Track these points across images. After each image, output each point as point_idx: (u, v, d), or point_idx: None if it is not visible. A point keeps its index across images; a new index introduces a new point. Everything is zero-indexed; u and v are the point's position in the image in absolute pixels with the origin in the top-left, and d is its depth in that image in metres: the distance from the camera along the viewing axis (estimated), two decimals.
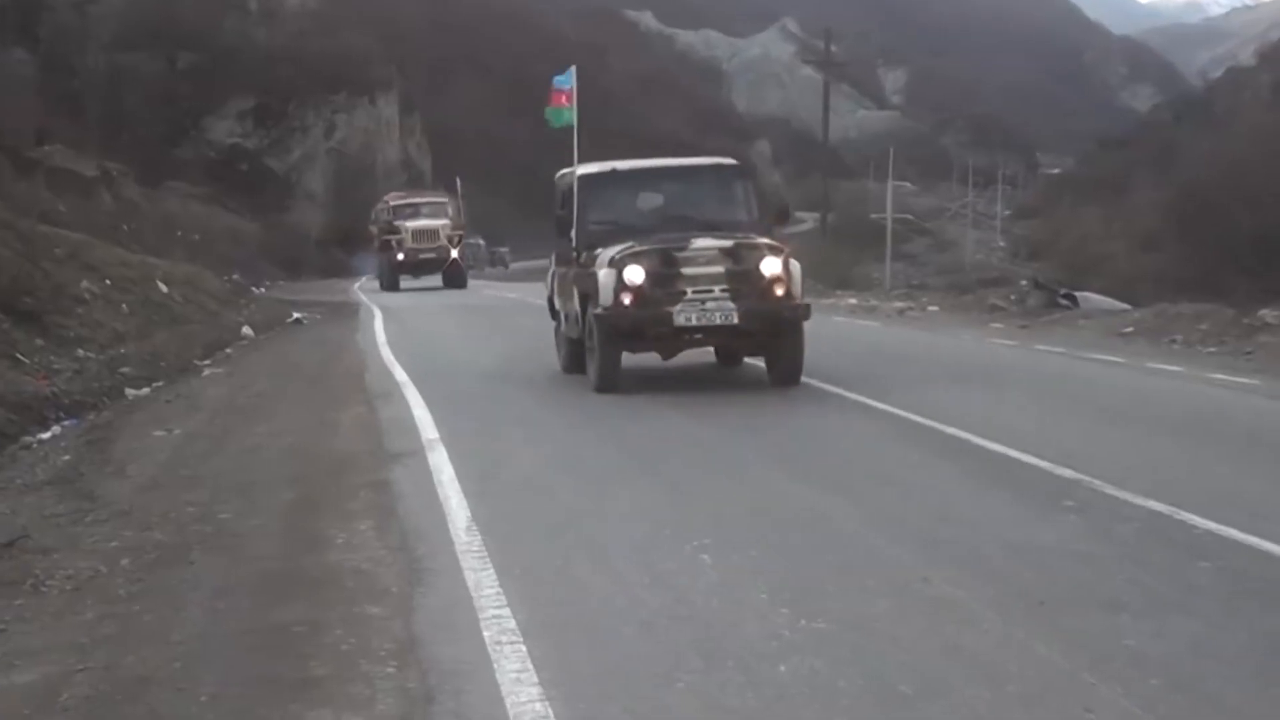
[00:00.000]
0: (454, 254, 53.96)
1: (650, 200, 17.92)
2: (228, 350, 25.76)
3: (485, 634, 6.76)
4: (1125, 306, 27.92)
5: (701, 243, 15.94)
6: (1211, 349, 19.64)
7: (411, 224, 53.72)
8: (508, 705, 5.86)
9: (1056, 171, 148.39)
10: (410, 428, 13.84)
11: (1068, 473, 10.22)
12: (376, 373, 19.81)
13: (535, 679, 6.13)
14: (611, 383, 15.93)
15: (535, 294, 29.37)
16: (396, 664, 6.52)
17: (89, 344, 21.69)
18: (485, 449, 12.52)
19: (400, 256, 53.41)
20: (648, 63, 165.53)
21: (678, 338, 16.18)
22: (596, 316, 15.82)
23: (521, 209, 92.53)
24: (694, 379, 17.42)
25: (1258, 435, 12.62)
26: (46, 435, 15.10)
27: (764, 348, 16.62)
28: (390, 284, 53.40)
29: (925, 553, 8.15)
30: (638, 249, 15.88)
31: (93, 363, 20.24)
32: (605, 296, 15.69)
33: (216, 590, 8.13)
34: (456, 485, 10.50)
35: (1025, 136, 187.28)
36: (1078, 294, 29.59)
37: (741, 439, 12.69)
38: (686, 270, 15.73)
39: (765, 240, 16.53)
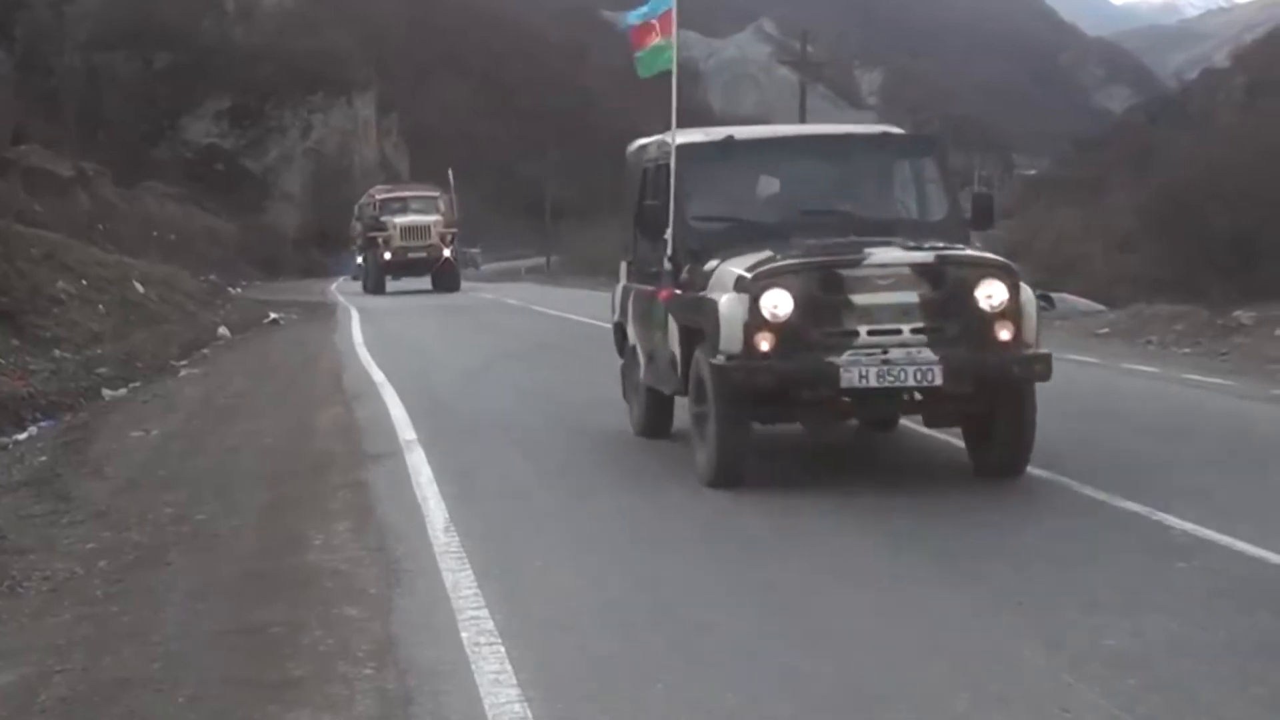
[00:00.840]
0: (446, 253, 50.47)
1: (789, 187, 12.51)
2: (205, 351, 25.75)
3: (463, 635, 6.76)
4: (1101, 307, 27.97)
5: (883, 255, 10.21)
6: (1187, 349, 19.69)
7: (400, 220, 50.46)
8: (486, 706, 5.86)
9: (1033, 173, 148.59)
10: (388, 428, 13.83)
11: (1044, 474, 10.24)
12: (354, 373, 19.78)
13: (514, 680, 6.13)
14: (734, 470, 10.17)
15: (510, 294, 29.57)
16: (375, 665, 6.52)
17: (65, 344, 21.68)
18: (463, 450, 12.50)
19: (387, 255, 49.90)
20: (626, 62, 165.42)
21: (843, 404, 10.36)
22: (716, 368, 10.03)
23: (497, 209, 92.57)
24: None
25: (1233, 435, 12.64)
26: (23, 436, 15.10)
27: (973, 417, 10.70)
28: (375, 286, 49.98)
29: (904, 555, 8.18)
30: (782, 263, 10.15)
31: (69, 363, 20.22)
32: (731, 337, 9.92)
33: (195, 591, 8.12)
34: (435, 486, 10.49)
35: (1001, 138, 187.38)
36: (1054, 295, 29.58)
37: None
38: (859, 299, 9.96)
39: (981, 253, 11.29)
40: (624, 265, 13.55)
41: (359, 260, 56.25)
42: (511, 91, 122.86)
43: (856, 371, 9.68)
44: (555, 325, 28.95)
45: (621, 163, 13.98)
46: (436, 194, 53.23)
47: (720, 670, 6.21)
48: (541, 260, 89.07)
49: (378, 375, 18.87)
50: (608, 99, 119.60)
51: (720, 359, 9.93)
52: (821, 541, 8.60)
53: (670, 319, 11.30)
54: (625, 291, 13.31)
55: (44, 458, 13.46)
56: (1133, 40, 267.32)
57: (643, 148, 13.35)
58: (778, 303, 9.80)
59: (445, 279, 49.98)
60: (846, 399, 10.05)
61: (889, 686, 5.98)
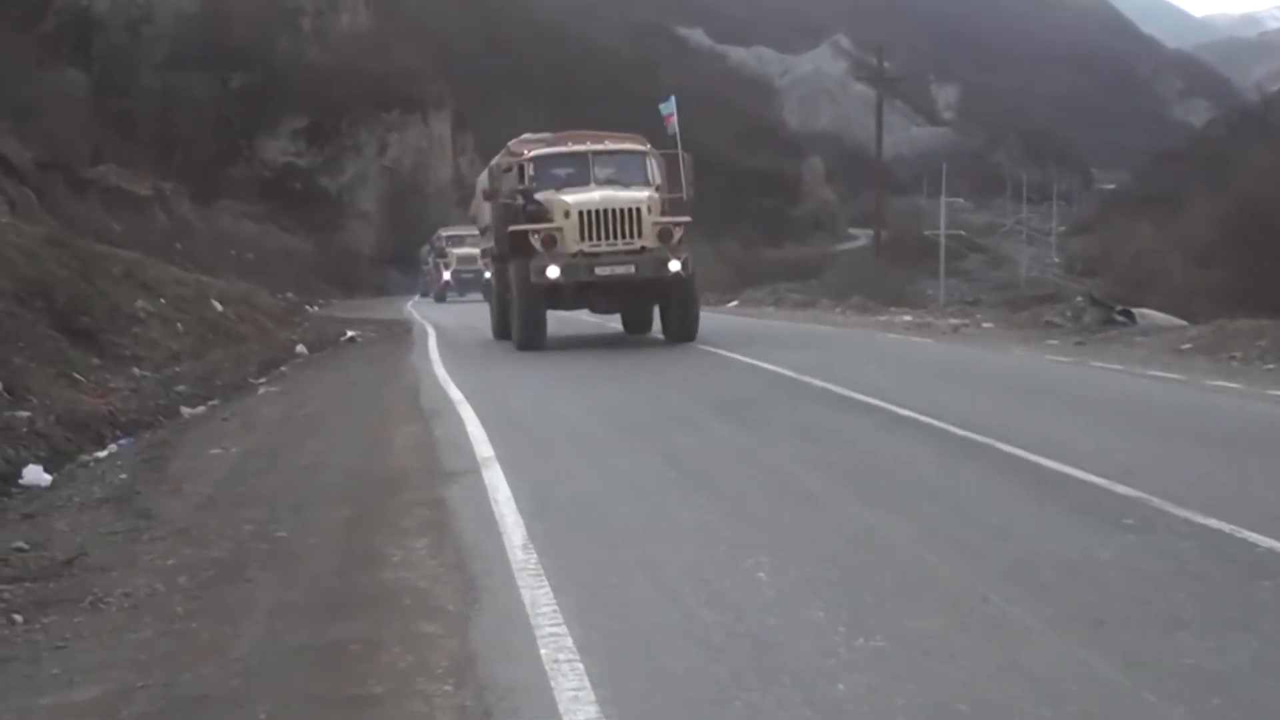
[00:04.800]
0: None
1: None
2: (282, 369, 25.89)
3: (542, 652, 6.75)
4: (1182, 323, 27.69)
5: None
6: (1270, 365, 19.45)
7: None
8: None
9: (1111, 187, 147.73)
10: (465, 446, 13.83)
11: (1126, 490, 10.13)
12: (431, 390, 19.84)
13: (593, 697, 6.12)
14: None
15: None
16: (453, 682, 6.52)
17: (145, 362, 21.84)
18: (540, 467, 12.50)
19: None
20: (698, 79, 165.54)
21: None
22: None
23: None
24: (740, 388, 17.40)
25: None
26: (103, 454, 15.17)
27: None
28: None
29: (983, 571, 8.10)
30: None
31: (149, 381, 20.36)
32: None
33: (273, 608, 8.14)
34: (512, 503, 10.48)
35: (1079, 151, 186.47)
36: (1134, 310, 29.36)
37: (796, 454, 12.63)
38: None
39: None
40: None
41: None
42: (583, 108, 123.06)
43: None
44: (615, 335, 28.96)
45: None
46: None
47: (799, 688, 6.17)
48: None
49: (455, 393, 18.91)
50: (679, 114, 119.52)
51: None
52: (899, 554, 8.54)
53: None
54: None
55: (124, 475, 13.53)
56: (1212, 52, 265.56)
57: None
58: None
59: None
60: None
61: (969, 704, 5.93)
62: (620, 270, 25.64)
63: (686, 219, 26.96)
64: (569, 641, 6.88)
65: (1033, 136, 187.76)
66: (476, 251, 59.99)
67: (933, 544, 8.84)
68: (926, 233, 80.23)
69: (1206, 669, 6.25)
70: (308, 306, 54.86)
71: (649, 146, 28.29)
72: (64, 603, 8.48)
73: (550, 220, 26.00)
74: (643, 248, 25.62)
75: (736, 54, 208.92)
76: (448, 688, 6.46)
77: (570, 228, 25.63)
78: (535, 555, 8.76)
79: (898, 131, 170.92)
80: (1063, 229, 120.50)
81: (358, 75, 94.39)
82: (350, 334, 35.92)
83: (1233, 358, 20.53)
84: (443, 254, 67.46)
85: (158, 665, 7.12)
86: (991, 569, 8.13)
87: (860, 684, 6.20)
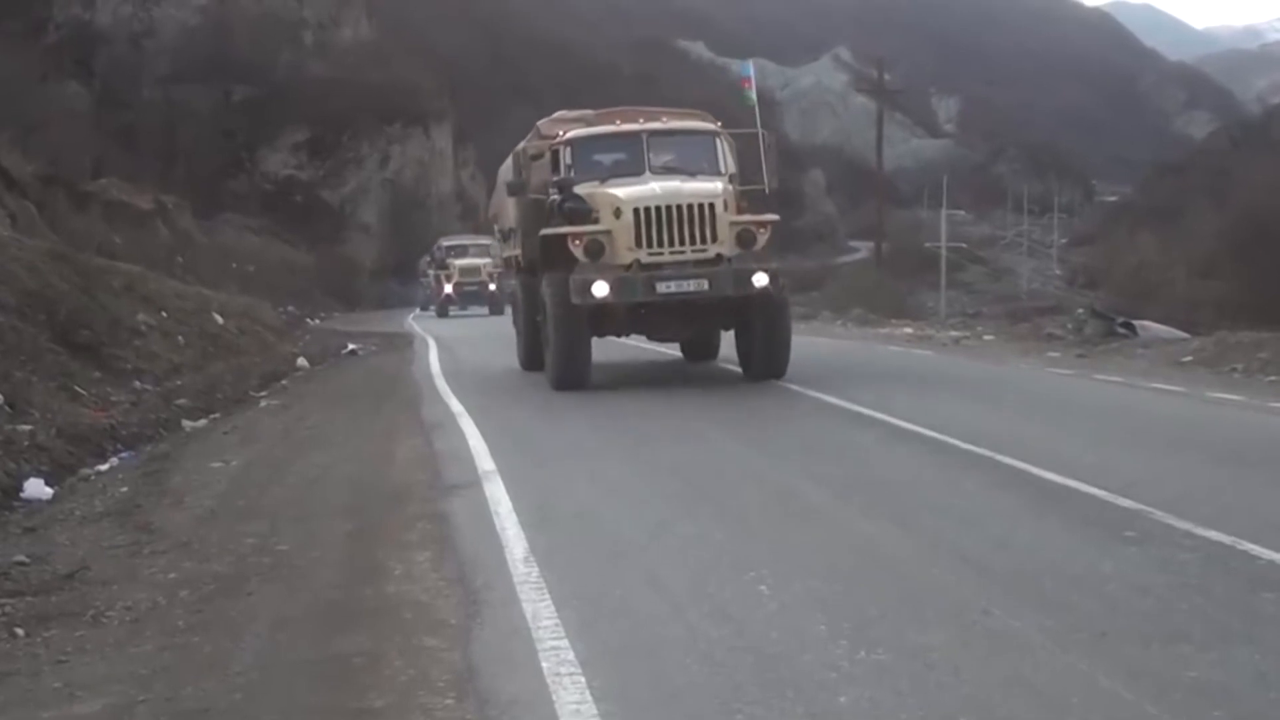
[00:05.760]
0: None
1: None
2: (284, 382, 25.88)
3: (544, 665, 6.75)
4: (1184, 335, 27.73)
5: None
6: (1272, 377, 19.46)
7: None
8: None
9: (1113, 199, 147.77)
10: (467, 459, 13.85)
11: (1128, 503, 10.13)
12: (432, 404, 19.87)
13: (594, 710, 6.12)
14: None
15: None
16: (455, 695, 6.51)
17: (146, 376, 21.83)
18: (542, 481, 12.50)
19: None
20: (700, 92, 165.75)
21: None
22: None
23: None
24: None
25: None
26: (105, 467, 15.17)
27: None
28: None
29: (985, 583, 8.10)
30: None
31: (150, 394, 20.36)
32: None
33: (275, 621, 8.14)
34: (514, 517, 10.49)
35: (1080, 164, 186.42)
36: (1136, 322, 29.39)
37: (796, 466, 12.63)
38: None
39: None
40: None
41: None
42: None
43: None
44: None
45: None
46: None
47: (801, 701, 6.16)
48: None
49: (456, 406, 18.94)
50: None
51: None
52: (901, 567, 8.54)
53: None
54: None
55: (125, 488, 13.54)
56: (1214, 65, 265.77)
57: None
58: None
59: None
60: None
61: (972, 717, 5.92)
62: (689, 287, 19.69)
63: (773, 217, 20.90)
64: (570, 655, 6.88)
65: (1034, 149, 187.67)
66: (480, 263, 60.66)
67: (935, 557, 8.84)
68: (927, 245, 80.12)
69: (1209, 681, 6.24)
70: (309, 320, 54.88)
71: (719, 124, 22.43)
72: (65, 616, 8.49)
73: (595, 221, 20.28)
74: (718, 256, 19.77)
75: (737, 67, 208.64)
76: (449, 701, 6.46)
77: (622, 231, 19.84)
78: (536, 568, 8.76)
79: (899, 144, 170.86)
80: (1064, 241, 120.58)
81: (359, 88, 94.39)
82: (352, 347, 35.90)
83: (1234, 370, 20.56)
84: (444, 265, 63.72)
85: (159, 679, 7.12)
86: (993, 582, 8.12)
87: (862, 697, 6.19)
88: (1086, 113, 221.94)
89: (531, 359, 23.49)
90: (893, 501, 10.77)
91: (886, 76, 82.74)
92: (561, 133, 22.36)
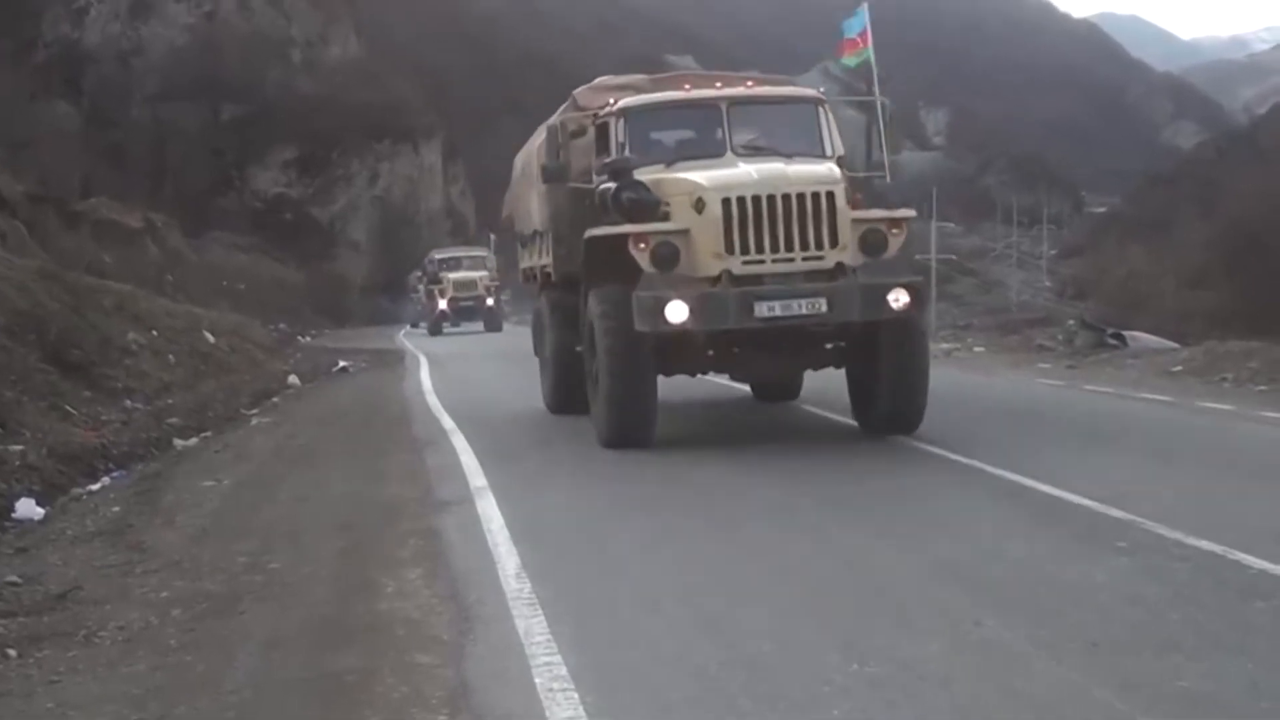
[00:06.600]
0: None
1: None
2: (275, 399, 25.85)
3: (537, 681, 6.75)
4: (1174, 345, 27.75)
5: None
6: (1262, 386, 19.49)
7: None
8: None
9: (1102, 210, 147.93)
10: (458, 475, 13.85)
11: (1119, 513, 10.14)
12: (423, 420, 19.86)
13: None
14: None
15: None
16: (448, 712, 6.51)
17: (136, 395, 21.81)
18: (534, 496, 12.51)
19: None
20: None
21: None
22: None
23: None
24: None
25: None
26: (96, 487, 15.16)
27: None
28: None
29: (977, 595, 8.10)
30: None
31: (140, 413, 20.34)
32: None
33: (268, 639, 8.14)
34: (505, 532, 10.49)
35: (1069, 175, 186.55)
36: (1126, 333, 29.40)
37: (788, 481, 12.62)
38: None
39: None
40: None
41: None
42: None
43: None
44: None
45: None
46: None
47: (794, 713, 6.17)
48: None
49: (447, 422, 18.93)
50: None
51: None
52: (892, 580, 8.54)
53: None
54: None
55: (117, 508, 13.52)
56: (1200, 75, 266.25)
57: None
58: None
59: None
60: None
61: None
62: (802, 309, 14.28)
63: (908, 213, 15.92)
64: (563, 670, 6.89)
65: (1023, 160, 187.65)
66: (476, 275, 58.21)
67: (926, 569, 8.84)
68: (917, 257, 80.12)
69: (1201, 691, 6.25)
70: (300, 337, 54.87)
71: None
72: (57, 636, 8.47)
73: (665, 217, 15.07)
74: (838, 266, 14.50)
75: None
76: (442, 718, 6.46)
77: (706, 230, 14.49)
78: (529, 584, 8.76)
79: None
80: (1053, 252, 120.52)
81: (348, 105, 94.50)
82: (343, 364, 35.89)
83: (1224, 379, 20.58)
84: (436, 279, 59.68)
85: (152, 698, 7.11)
86: (985, 593, 8.13)
87: (855, 710, 6.19)
88: (1075, 124, 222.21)
89: (562, 399, 18.66)
90: (883, 512, 10.79)
91: (875, 89, 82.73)
92: (612, 102, 17.03)
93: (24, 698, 7.35)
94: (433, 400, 22.96)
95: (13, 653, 8.17)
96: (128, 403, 21.01)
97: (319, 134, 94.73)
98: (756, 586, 8.54)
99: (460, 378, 28.97)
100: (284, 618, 8.64)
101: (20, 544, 11.87)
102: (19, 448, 15.31)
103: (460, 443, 16.43)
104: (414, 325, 65.95)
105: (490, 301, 57.91)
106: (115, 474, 15.97)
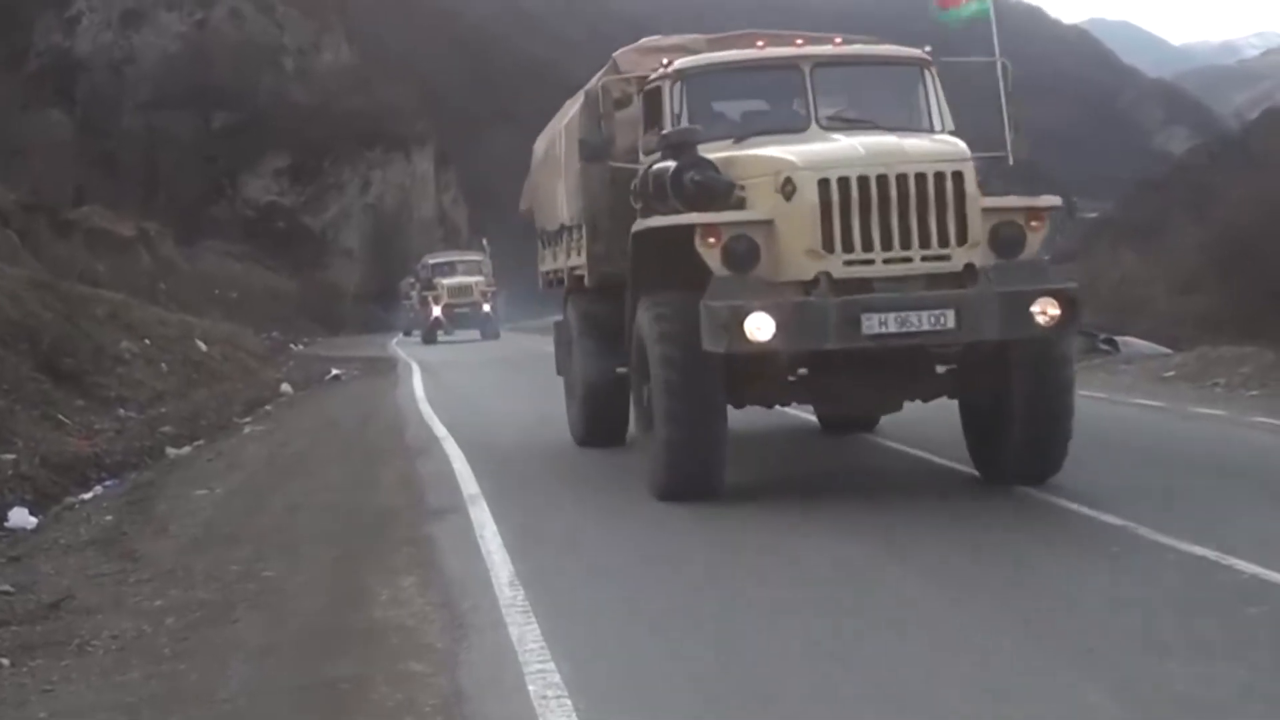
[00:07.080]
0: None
1: None
2: (268, 408, 25.85)
3: (530, 689, 6.74)
4: (1166, 350, 27.73)
5: None
6: (1255, 392, 19.46)
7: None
8: None
9: (1094, 215, 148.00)
10: (451, 483, 13.82)
11: (1112, 518, 10.14)
12: (416, 428, 19.83)
13: None
14: None
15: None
16: None
17: (129, 403, 21.82)
18: (527, 504, 12.49)
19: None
20: None
21: None
22: None
23: None
24: None
25: None
26: (89, 495, 15.16)
27: None
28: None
29: (969, 598, 8.11)
30: None
31: (133, 422, 20.34)
32: None
33: (261, 648, 8.13)
34: (499, 540, 10.47)
35: (1062, 181, 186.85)
36: (1118, 338, 29.38)
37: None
38: None
39: None
40: None
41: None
42: None
43: None
44: None
45: None
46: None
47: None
48: None
49: (440, 430, 18.90)
50: None
51: None
52: (883, 591, 8.53)
53: None
54: None
55: (110, 517, 13.51)
56: (1192, 81, 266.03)
57: None
58: None
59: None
60: None
61: None
62: (923, 324, 10.89)
63: (1053, 201, 12.75)
64: (557, 679, 6.87)
65: (1014, 166, 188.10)
66: (472, 281, 56.30)
67: (915, 573, 8.84)
68: None
69: (1194, 696, 6.24)
70: (293, 345, 54.83)
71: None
72: (51, 646, 8.47)
73: (741, 204, 11.74)
74: (967, 268, 11.20)
75: None
76: None
77: (798, 220, 11.14)
78: (522, 591, 8.75)
79: None
80: (1046, 258, 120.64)
81: (340, 113, 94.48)
82: (335, 372, 35.87)
83: (1216, 384, 20.55)
84: (430, 285, 57.11)
85: (146, 707, 7.11)
86: (977, 597, 8.13)
87: (848, 715, 6.19)
88: (1066, 130, 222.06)
89: (594, 429, 15.75)
90: (875, 518, 10.78)
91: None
92: (665, 63, 13.52)
93: (17, 706, 7.35)
94: (425, 408, 22.89)
95: (6, 662, 8.17)
96: (120, 411, 21.01)
97: (311, 142, 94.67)
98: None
99: (453, 385, 28.89)
100: (277, 626, 8.64)
101: (13, 553, 11.87)
102: (11, 457, 15.31)
103: (453, 449, 16.39)
104: (407, 333, 63.43)
105: (487, 308, 56.23)
106: (108, 483, 15.97)
